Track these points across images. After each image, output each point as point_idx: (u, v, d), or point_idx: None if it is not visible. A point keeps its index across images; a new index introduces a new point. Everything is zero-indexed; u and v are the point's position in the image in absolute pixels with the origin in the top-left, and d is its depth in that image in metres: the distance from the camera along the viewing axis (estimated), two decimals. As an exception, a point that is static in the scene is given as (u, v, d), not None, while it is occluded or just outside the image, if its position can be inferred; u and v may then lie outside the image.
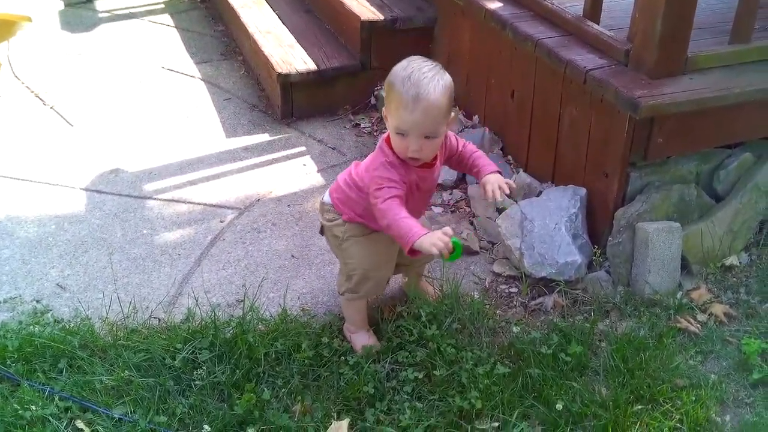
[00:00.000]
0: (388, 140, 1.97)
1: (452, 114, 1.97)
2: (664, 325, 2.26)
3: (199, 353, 2.07)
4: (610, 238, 2.42)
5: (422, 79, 1.87)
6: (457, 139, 2.12)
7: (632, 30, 2.42)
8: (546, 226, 2.46)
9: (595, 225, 2.52)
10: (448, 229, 1.80)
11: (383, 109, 1.99)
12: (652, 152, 2.37)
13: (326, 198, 2.15)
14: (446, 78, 1.91)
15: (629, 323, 2.26)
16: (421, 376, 2.07)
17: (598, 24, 2.64)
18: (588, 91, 2.44)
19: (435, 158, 2.02)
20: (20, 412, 1.88)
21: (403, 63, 1.95)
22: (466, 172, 2.24)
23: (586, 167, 2.55)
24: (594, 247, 2.44)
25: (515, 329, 2.22)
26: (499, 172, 2.11)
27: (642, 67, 2.37)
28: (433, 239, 1.77)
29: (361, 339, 2.18)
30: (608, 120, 2.40)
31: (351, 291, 2.14)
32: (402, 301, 2.34)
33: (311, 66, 3.42)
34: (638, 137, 2.33)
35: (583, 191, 2.53)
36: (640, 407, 1.97)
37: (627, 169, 2.39)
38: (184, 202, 2.85)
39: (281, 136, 3.33)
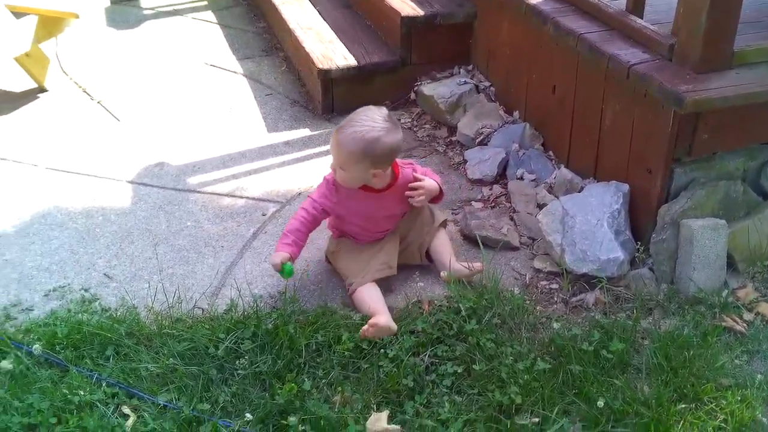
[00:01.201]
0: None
1: (376, 169, 2.26)
2: (708, 323, 2.23)
3: (242, 343, 2.10)
4: (653, 235, 2.39)
5: (353, 121, 2.25)
6: (417, 172, 2.44)
7: (676, 24, 2.39)
8: (588, 222, 2.45)
9: (638, 221, 2.49)
10: (278, 256, 2.26)
11: None
12: (697, 148, 2.34)
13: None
14: (374, 136, 2.20)
15: (673, 321, 2.24)
16: (460, 370, 2.07)
17: (641, 18, 2.60)
18: (631, 86, 2.42)
19: (387, 186, 2.35)
20: (69, 396, 1.93)
21: (367, 109, 2.30)
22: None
23: (629, 163, 2.53)
24: (637, 244, 2.41)
25: (556, 325, 2.21)
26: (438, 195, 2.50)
27: (687, 61, 2.33)
28: (273, 258, 2.28)
29: (380, 319, 2.16)
30: (652, 115, 2.37)
31: (350, 284, 2.32)
32: (441, 296, 2.35)
33: (351, 62, 3.44)
34: (683, 133, 2.30)
35: (626, 187, 2.50)
36: (683, 406, 1.95)
37: (671, 165, 2.36)
38: (227, 195, 2.89)
39: (322, 131, 3.36)
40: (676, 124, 2.28)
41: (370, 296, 2.27)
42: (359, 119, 2.25)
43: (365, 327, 2.13)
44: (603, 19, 2.68)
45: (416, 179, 2.42)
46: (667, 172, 2.37)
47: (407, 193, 2.39)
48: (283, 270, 2.24)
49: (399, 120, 3.44)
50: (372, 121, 2.24)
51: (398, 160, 2.40)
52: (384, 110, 2.30)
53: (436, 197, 2.49)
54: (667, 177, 2.38)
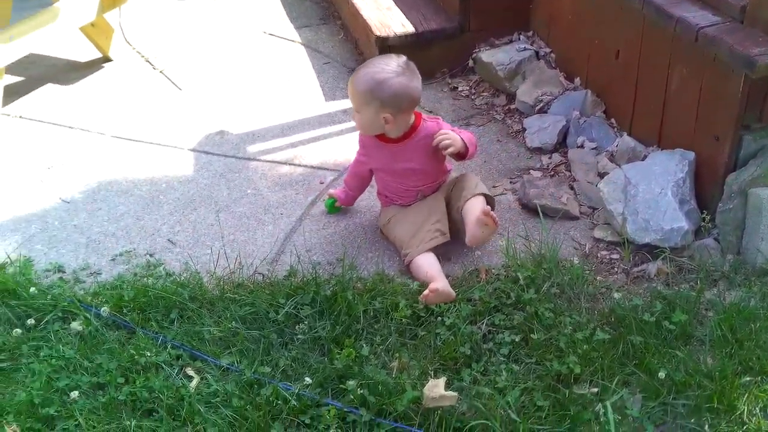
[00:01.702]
0: None
1: (385, 114, 2.28)
2: (776, 295, 2.16)
3: (301, 309, 2.14)
4: (720, 204, 2.32)
5: (368, 64, 2.34)
6: (442, 127, 2.39)
7: (750, -16, 2.29)
8: (651, 190, 2.39)
9: (704, 191, 2.42)
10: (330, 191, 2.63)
11: None
12: (769, 114, 2.26)
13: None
14: (383, 77, 2.26)
15: (738, 293, 2.18)
16: (518, 339, 2.06)
17: (712, -21, 2.50)
18: (699, 50, 2.34)
19: (403, 136, 2.37)
20: (136, 357, 2.00)
21: (386, 55, 2.37)
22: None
23: (696, 130, 2.45)
24: (703, 213, 2.35)
25: (616, 295, 2.18)
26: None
27: (758, 23, 2.24)
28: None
29: (438, 284, 2.15)
30: (721, 80, 2.29)
31: (405, 255, 2.34)
32: (499, 265, 2.34)
33: (409, 29, 3.41)
34: (753, 98, 2.22)
35: (691, 155, 2.43)
36: (748, 379, 1.90)
37: (740, 131, 2.28)
38: (286, 163, 2.92)
39: (379, 99, 3.34)
40: (746, 89, 2.20)
41: (428, 263, 2.28)
42: (374, 62, 2.35)
43: (425, 292, 2.14)
44: (671, -20, 2.59)
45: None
46: (736, 139, 2.29)
47: (435, 140, 2.33)
48: (326, 204, 2.62)
49: (456, 88, 3.40)
50: (385, 64, 2.31)
51: (424, 115, 2.42)
52: (403, 57, 2.35)
53: (464, 153, 2.39)
54: (735, 144, 2.30)
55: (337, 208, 2.62)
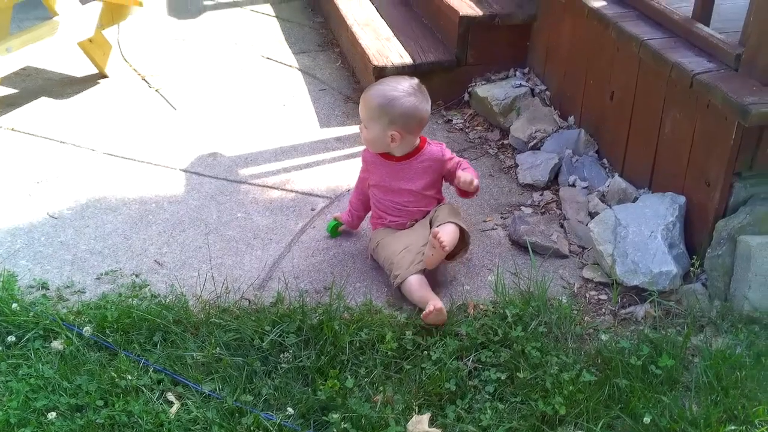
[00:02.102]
0: None
1: (392, 132, 2.33)
2: (763, 344, 2.15)
3: (287, 337, 2.12)
4: (708, 250, 2.33)
5: (381, 82, 2.40)
6: (449, 159, 2.45)
7: (745, 34, 2.31)
8: (641, 233, 2.40)
9: (693, 235, 2.43)
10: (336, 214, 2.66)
11: None
12: (760, 162, 2.27)
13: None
14: (394, 95, 2.32)
15: (725, 339, 2.18)
16: (503, 377, 2.05)
17: (707, 26, 2.54)
18: (694, 96, 2.36)
19: (406, 156, 2.42)
20: (116, 380, 1.97)
21: (399, 76, 2.45)
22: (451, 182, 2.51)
23: (687, 174, 2.46)
24: (693, 258, 2.35)
25: (604, 337, 2.17)
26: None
27: (753, 72, 2.26)
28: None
29: (437, 303, 2.20)
30: (714, 126, 2.31)
31: (395, 277, 2.33)
32: (487, 300, 2.34)
33: (407, 60, 3.43)
34: (746, 145, 2.23)
35: (682, 199, 2.44)
36: (733, 428, 1.89)
37: (731, 178, 2.29)
38: (278, 188, 2.91)
39: (374, 128, 3.35)
40: (738, 137, 2.22)
41: (420, 284, 2.30)
42: (387, 80, 2.42)
43: (428, 309, 2.16)
44: (668, 25, 2.62)
45: (453, 171, 2.43)
46: (727, 186, 2.30)
47: (461, 179, 2.37)
48: (328, 226, 2.64)
49: (451, 121, 3.42)
50: (397, 83, 2.37)
51: (428, 139, 2.46)
52: (415, 80, 2.40)
53: (471, 192, 2.46)
54: (726, 191, 2.31)
55: (338, 232, 2.63)
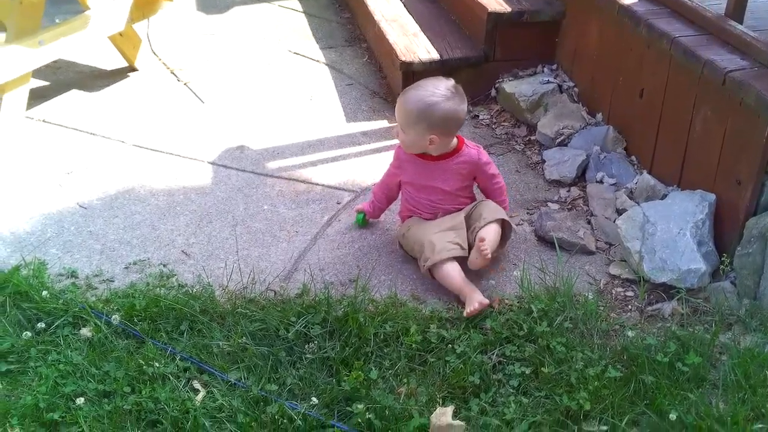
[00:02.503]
0: None
1: (431, 136, 2.33)
2: (792, 343, 2.13)
3: (312, 328, 2.13)
4: (738, 248, 2.30)
5: (418, 86, 2.37)
6: (486, 164, 2.48)
7: (780, 31, 2.29)
8: (669, 230, 2.37)
9: (723, 233, 2.40)
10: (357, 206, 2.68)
11: None
12: (792, 160, 2.24)
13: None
14: (434, 100, 2.30)
15: (754, 338, 2.15)
16: (528, 371, 2.04)
17: (741, 24, 2.51)
18: (726, 93, 2.33)
19: (443, 156, 2.42)
20: (144, 367, 1.99)
21: (436, 78, 2.40)
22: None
23: (717, 173, 2.44)
24: (723, 256, 2.32)
25: (630, 333, 2.15)
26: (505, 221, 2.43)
27: (788, 70, 2.24)
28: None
29: (475, 297, 2.22)
30: (746, 124, 2.28)
31: (426, 260, 2.33)
32: (513, 295, 2.33)
33: (434, 55, 3.42)
34: (778, 144, 2.21)
35: (712, 197, 2.42)
36: (760, 426, 1.86)
37: (763, 177, 2.26)
38: (304, 181, 2.93)
39: (400, 123, 3.36)
40: (771, 135, 2.19)
41: (458, 273, 2.31)
42: (424, 84, 2.37)
43: (473, 308, 2.18)
44: (699, 23, 2.59)
45: (487, 179, 2.51)
46: (758, 184, 2.27)
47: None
48: (357, 219, 2.65)
49: (477, 116, 3.41)
50: (435, 87, 2.34)
51: (467, 140, 2.47)
52: (451, 81, 2.38)
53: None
54: (757, 189, 2.28)
55: (366, 222, 2.67)
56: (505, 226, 2.42)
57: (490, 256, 2.31)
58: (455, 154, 2.44)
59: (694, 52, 2.44)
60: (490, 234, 2.34)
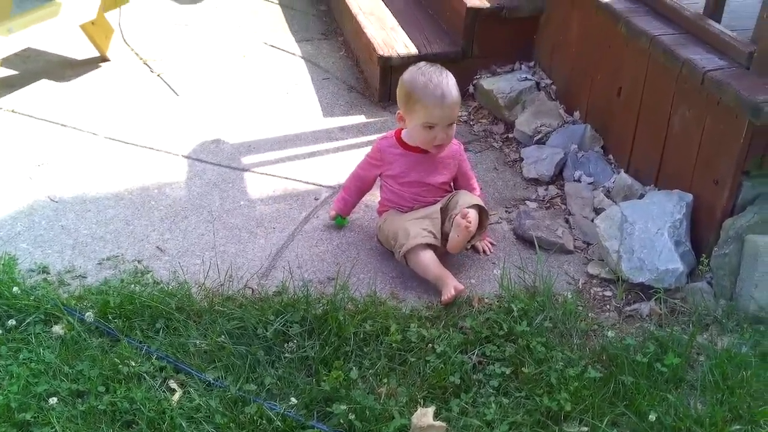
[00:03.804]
0: (397, 134, 2.47)
1: (399, 109, 2.42)
2: (768, 343, 2.16)
3: (290, 327, 2.10)
4: (715, 249, 2.32)
5: (441, 81, 2.35)
6: (465, 163, 2.57)
7: (757, 31, 2.30)
8: (648, 230, 2.39)
9: (700, 233, 2.42)
10: (331, 211, 2.61)
11: (398, 111, 2.43)
12: (770, 162, 2.26)
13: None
14: (452, 77, 2.40)
15: (731, 339, 2.17)
16: (508, 371, 2.04)
17: (719, 23, 2.52)
18: (705, 93, 2.34)
19: (420, 149, 2.43)
20: (119, 366, 1.95)
21: (414, 70, 2.40)
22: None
23: (695, 172, 2.45)
24: (702, 256, 2.34)
25: (610, 334, 2.16)
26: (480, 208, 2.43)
27: (766, 70, 2.25)
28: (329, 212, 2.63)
29: (450, 283, 2.26)
30: (724, 124, 2.30)
31: (401, 247, 2.33)
32: (492, 294, 2.32)
33: (412, 50, 3.40)
34: (756, 144, 2.22)
35: (689, 197, 2.43)
36: (738, 427, 1.88)
37: (740, 177, 2.28)
38: (281, 177, 2.89)
39: (378, 118, 3.34)
40: (749, 135, 2.21)
41: (434, 260, 2.32)
42: (438, 75, 2.37)
43: (450, 296, 2.22)
44: (678, 21, 2.60)
45: (464, 165, 2.55)
46: (736, 185, 2.29)
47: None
48: (336, 221, 2.60)
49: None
50: (434, 68, 2.40)
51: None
52: (438, 67, 2.42)
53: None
54: (734, 189, 2.30)
55: (345, 221, 2.62)
56: (482, 214, 2.41)
57: (472, 227, 2.30)
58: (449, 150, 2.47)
59: (673, 51, 2.45)
60: (472, 212, 2.33)
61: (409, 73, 2.39)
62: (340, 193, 2.63)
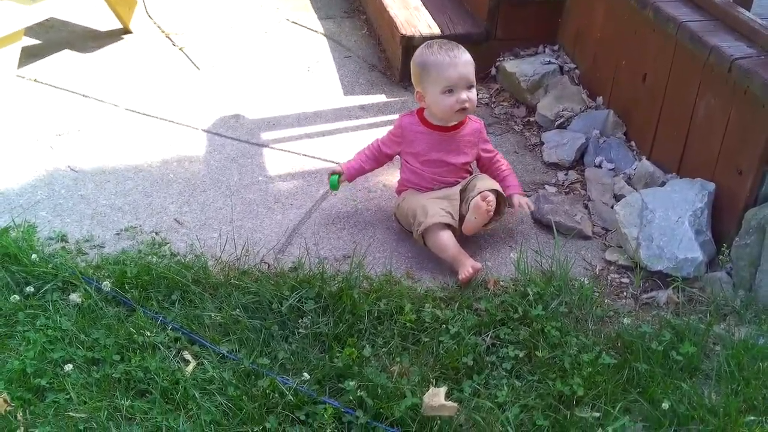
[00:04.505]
0: (419, 112, 2.46)
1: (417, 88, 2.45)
2: (786, 336, 2.13)
3: (305, 303, 2.10)
4: (736, 239, 2.29)
5: (450, 46, 2.38)
6: (488, 143, 2.56)
7: (788, 20, 2.26)
8: (668, 218, 2.36)
9: (721, 223, 2.39)
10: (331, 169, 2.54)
11: (417, 90, 2.43)
12: (795, 152, 2.22)
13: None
14: (460, 45, 2.41)
15: (748, 329, 2.15)
16: (521, 355, 2.03)
17: (748, 11, 2.48)
18: (731, 81, 2.30)
19: (453, 127, 2.44)
20: (134, 336, 1.97)
21: (421, 47, 2.44)
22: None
23: (718, 161, 2.42)
24: (723, 246, 2.32)
25: (626, 320, 2.14)
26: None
27: (795, 60, 2.22)
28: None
29: (468, 263, 2.26)
30: (750, 113, 2.26)
31: (419, 225, 2.32)
32: (508, 277, 2.31)
33: (435, 30, 3.37)
34: (783, 135, 2.19)
35: (711, 186, 2.40)
36: (752, 418, 1.86)
37: (764, 167, 2.25)
38: (300, 154, 2.88)
39: (398, 98, 3.32)
40: (775, 125, 2.17)
41: (452, 241, 2.32)
42: (446, 43, 2.41)
43: (468, 275, 2.22)
44: (707, 8, 2.56)
45: (497, 161, 2.56)
46: (759, 175, 2.25)
47: (522, 202, 2.47)
48: (330, 182, 2.49)
49: (477, 95, 3.36)
50: (443, 40, 2.44)
51: (469, 116, 2.49)
52: (452, 43, 2.42)
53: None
54: (758, 179, 2.26)
55: (338, 186, 2.50)
56: (499, 199, 2.40)
57: (492, 210, 2.32)
58: (462, 125, 2.46)
59: (700, 38, 2.41)
60: (491, 196, 2.33)
61: (418, 51, 2.45)
62: (355, 157, 2.54)
